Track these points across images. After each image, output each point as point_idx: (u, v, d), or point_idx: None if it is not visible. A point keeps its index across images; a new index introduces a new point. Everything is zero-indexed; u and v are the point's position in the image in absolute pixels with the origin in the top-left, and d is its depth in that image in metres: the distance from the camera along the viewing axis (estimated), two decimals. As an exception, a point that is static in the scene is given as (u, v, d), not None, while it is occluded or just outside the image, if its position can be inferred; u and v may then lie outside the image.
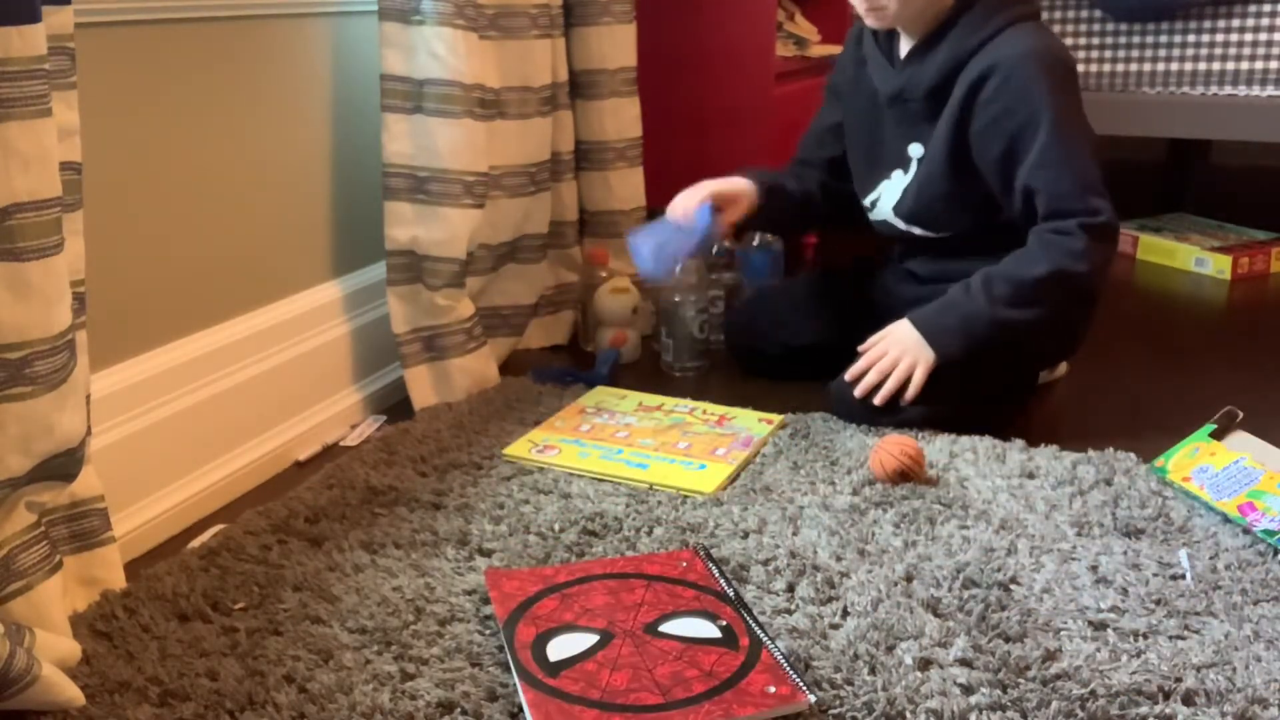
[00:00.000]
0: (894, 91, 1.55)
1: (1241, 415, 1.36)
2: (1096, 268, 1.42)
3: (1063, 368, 1.73)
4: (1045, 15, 2.42)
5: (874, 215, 1.64)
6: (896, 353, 1.47)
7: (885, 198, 1.61)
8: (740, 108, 2.12)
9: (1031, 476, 1.34)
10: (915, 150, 1.55)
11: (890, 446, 1.33)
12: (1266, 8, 2.24)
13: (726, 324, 1.82)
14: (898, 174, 1.59)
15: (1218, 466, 1.27)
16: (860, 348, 1.51)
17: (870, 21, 1.53)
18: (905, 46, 1.55)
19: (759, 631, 1.02)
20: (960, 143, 1.49)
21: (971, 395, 1.49)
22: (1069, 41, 2.41)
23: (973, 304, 1.44)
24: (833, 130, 1.71)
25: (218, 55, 1.38)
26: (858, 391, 1.48)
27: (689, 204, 1.57)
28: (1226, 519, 1.23)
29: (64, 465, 0.97)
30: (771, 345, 1.73)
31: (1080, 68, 2.41)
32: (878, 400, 1.47)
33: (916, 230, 1.59)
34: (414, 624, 1.06)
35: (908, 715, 0.92)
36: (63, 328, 0.94)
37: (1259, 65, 2.28)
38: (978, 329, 1.44)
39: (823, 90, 1.75)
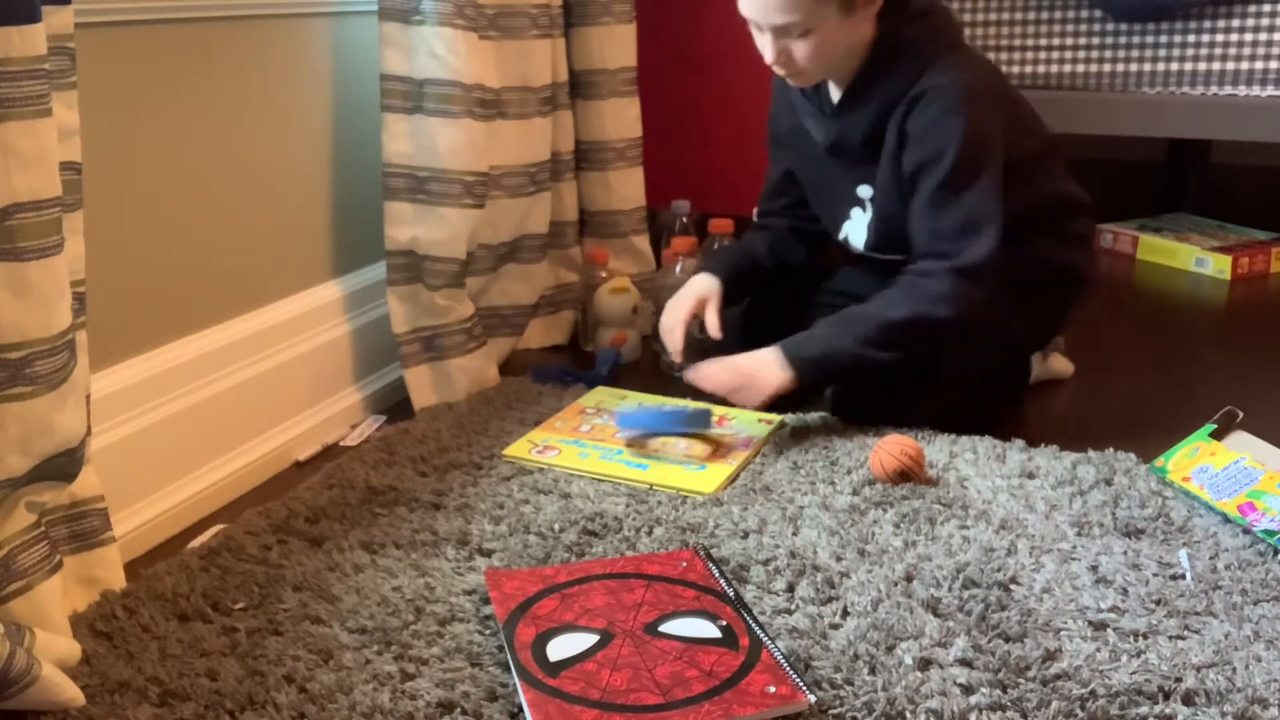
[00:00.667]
0: (831, 142, 1.54)
1: (1241, 415, 1.36)
2: (962, 311, 1.41)
3: (1069, 367, 1.73)
4: (1046, 15, 2.42)
5: (850, 249, 1.64)
6: (732, 381, 1.48)
7: (854, 236, 1.60)
8: (740, 108, 2.13)
9: (1031, 476, 1.34)
10: (865, 191, 1.55)
11: (890, 446, 1.33)
12: (1266, 8, 2.24)
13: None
14: (857, 212, 1.58)
15: (1218, 466, 1.27)
16: (707, 364, 1.51)
17: (793, 83, 1.51)
18: (835, 94, 1.52)
19: (759, 631, 1.02)
20: (901, 175, 1.48)
21: (966, 391, 1.50)
22: (1069, 41, 2.41)
23: (839, 339, 1.45)
24: (785, 178, 1.70)
25: (218, 55, 1.38)
26: (687, 376, 1.52)
27: (674, 327, 1.59)
28: (1226, 519, 1.23)
29: (64, 465, 0.97)
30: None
31: (1080, 68, 2.42)
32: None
33: (896, 256, 1.58)
34: (414, 624, 1.06)
35: (908, 715, 0.92)
36: (63, 328, 0.94)
37: (1259, 65, 2.28)
38: (837, 362, 1.45)
39: (767, 142, 1.71)
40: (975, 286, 1.42)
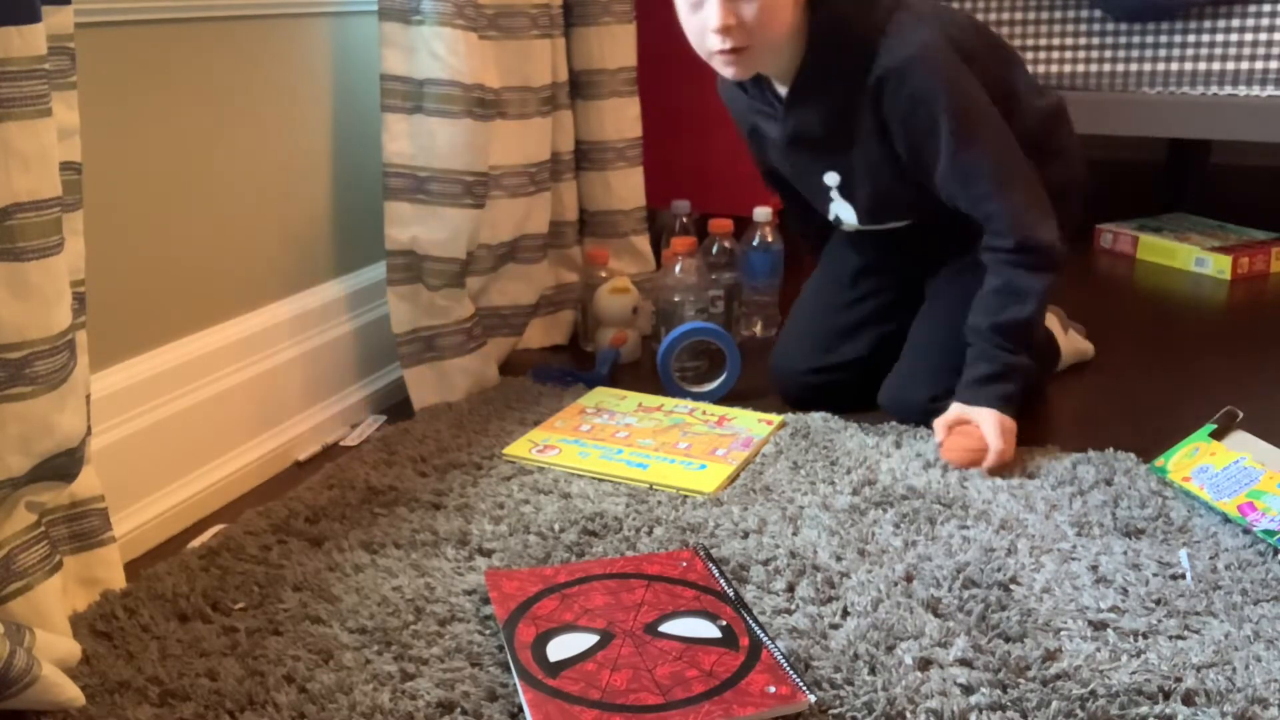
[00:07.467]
0: (788, 136, 1.50)
1: (1241, 415, 1.36)
2: (1048, 281, 1.42)
3: (1089, 347, 1.77)
4: (1046, 15, 2.42)
5: (845, 229, 1.62)
6: (983, 440, 1.38)
7: (844, 216, 1.58)
8: (740, 108, 2.12)
9: (1031, 476, 1.34)
10: (831, 179, 1.53)
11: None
12: (1266, 8, 2.24)
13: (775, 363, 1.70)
14: (836, 194, 1.56)
15: (1218, 466, 1.27)
16: (941, 427, 1.42)
17: (733, 72, 1.42)
18: (782, 88, 1.48)
19: (759, 631, 1.02)
20: (890, 150, 1.45)
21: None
22: (1069, 41, 2.41)
23: (1013, 360, 1.41)
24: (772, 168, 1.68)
25: (218, 55, 1.38)
26: (953, 463, 1.39)
27: None
28: (1226, 519, 1.23)
29: (64, 465, 0.97)
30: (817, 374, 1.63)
31: (1080, 68, 2.42)
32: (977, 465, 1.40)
33: (894, 224, 1.57)
34: (414, 624, 1.06)
35: (908, 715, 0.92)
36: (63, 328, 0.94)
37: (1259, 65, 2.28)
38: (1026, 375, 1.43)
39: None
40: (1050, 258, 1.42)
